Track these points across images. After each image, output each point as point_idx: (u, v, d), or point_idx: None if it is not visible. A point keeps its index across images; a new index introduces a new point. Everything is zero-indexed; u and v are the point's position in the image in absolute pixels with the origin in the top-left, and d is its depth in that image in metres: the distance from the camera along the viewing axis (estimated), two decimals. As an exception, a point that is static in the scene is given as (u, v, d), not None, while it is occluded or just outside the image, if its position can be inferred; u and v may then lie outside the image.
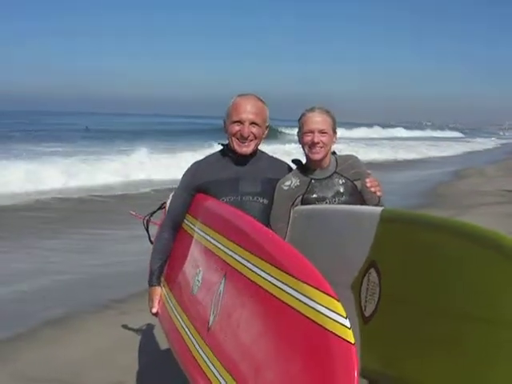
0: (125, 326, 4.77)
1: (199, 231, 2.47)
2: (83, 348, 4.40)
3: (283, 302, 1.50)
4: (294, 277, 1.49)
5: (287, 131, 36.44)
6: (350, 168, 2.71)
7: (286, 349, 1.44)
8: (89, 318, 5.05)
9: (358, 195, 2.66)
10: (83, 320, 5.00)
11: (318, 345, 1.33)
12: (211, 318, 1.93)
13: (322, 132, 2.62)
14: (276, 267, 1.59)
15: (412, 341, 1.92)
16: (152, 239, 3.57)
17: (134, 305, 5.20)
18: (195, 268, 2.34)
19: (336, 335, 1.29)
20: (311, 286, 1.42)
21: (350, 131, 52.18)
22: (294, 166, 2.79)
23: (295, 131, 2.79)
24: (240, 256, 1.85)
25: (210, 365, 1.80)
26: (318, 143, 2.61)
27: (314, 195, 2.65)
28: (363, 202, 2.65)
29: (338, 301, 1.36)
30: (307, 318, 1.38)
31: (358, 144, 31.58)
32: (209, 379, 1.78)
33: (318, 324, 1.34)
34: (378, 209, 2.22)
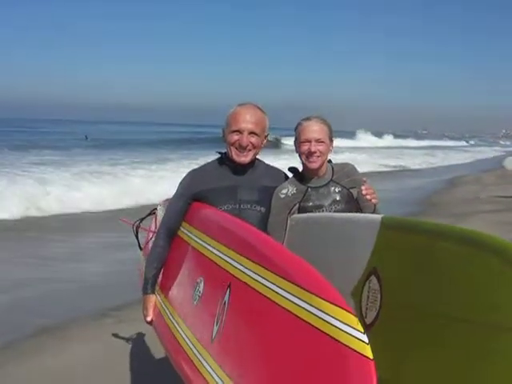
0: (120, 335, 4.75)
1: (198, 240, 2.45)
2: (80, 356, 4.38)
3: (297, 317, 1.45)
4: (308, 291, 1.45)
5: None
6: (346, 176, 2.72)
7: (300, 363, 1.40)
8: (86, 326, 5.04)
9: (354, 203, 2.68)
10: (80, 328, 4.98)
11: (335, 360, 1.30)
12: (215, 329, 1.89)
13: (318, 141, 2.63)
14: (288, 281, 1.55)
15: (414, 347, 1.92)
16: (142, 245, 3.56)
17: (130, 313, 5.18)
18: (195, 278, 2.31)
19: (354, 350, 1.26)
20: (326, 300, 1.38)
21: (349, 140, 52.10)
22: (290, 174, 2.80)
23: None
24: (246, 268, 1.82)
25: (215, 377, 1.77)
26: (315, 152, 2.62)
27: (311, 203, 2.66)
28: (359, 210, 2.67)
29: (355, 315, 1.33)
30: (323, 332, 1.35)
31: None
32: None
33: (335, 339, 1.31)
34: (379, 216, 2.22)
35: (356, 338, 1.28)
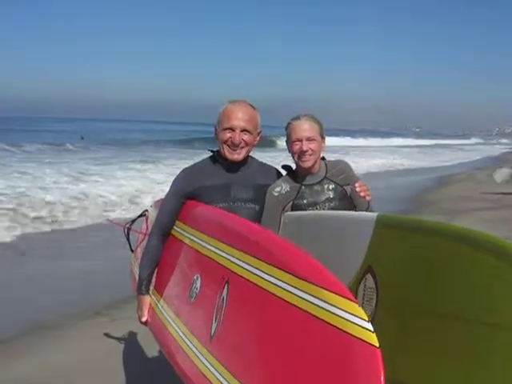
0: (113, 333, 4.73)
1: (193, 237, 2.43)
2: (74, 354, 4.37)
3: (299, 308, 1.44)
4: (309, 282, 1.44)
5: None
6: (340, 173, 2.72)
7: (304, 354, 1.39)
8: (78, 325, 5.02)
9: (347, 200, 2.68)
10: (73, 326, 4.97)
11: (340, 350, 1.28)
12: (214, 326, 1.88)
13: (309, 139, 2.62)
14: (288, 272, 1.54)
15: (410, 345, 1.92)
16: (133, 248, 3.53)
17: (124, 311, 5.17)
18: (191, 275, 2.29)
19: (360, 339, 1.24)
20: (328, 290, 1.37)
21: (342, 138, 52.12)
22: (283, 172, 2.79)
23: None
24: (244, 262, 1.80)
25: (215, 373, 1.75)
26: (307, 151, 2.62)
27: (305, 201, 2.66)
28: (353, 207, 2.67)
29: (359, 304, 1.32)
30: (326, 322, 1.33)
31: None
32: None
33: (339, 329, 1.29)
34: (374, 214, 2.22)
35: (361, 326, 1.26)
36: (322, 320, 1.34)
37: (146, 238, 2.97)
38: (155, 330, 2.58)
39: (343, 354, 1.27)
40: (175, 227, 2.70)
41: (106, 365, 4.19)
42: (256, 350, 1.60)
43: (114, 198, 11.68)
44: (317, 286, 1.41)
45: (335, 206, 2.65)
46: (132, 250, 3.55)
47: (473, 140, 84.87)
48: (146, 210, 3.73)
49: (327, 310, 1.34)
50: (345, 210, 2.64)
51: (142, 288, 2.72)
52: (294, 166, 2.77)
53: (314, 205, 2.65)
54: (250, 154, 2.75)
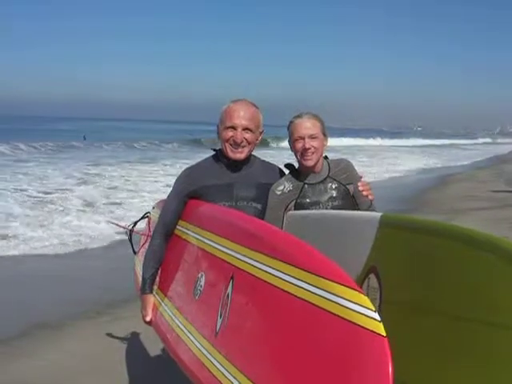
0: (115, 333, 4.73)
1: (196, 236, 2.43)
2: (78, 353, 4.37)
3: (304, 300, 1.44)
4: (314, 274, 1.44)
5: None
6: (343, 172, 2.71)
7: (311, 347, 1.39)
8: (81, 324, 5.02)
9: (350, 199, 2.67)
10: (75, 326, 4.97)
11: (348, 340, 1.28)
12: (219, 321, 1.88)
13: (312, 137, 2.62)
14: (293, 265, 1.54)
15: (413, 345, 1.92)
16: (135, 249, 3.52)
17: (126, 311, 5.17)
18: (195, 273, 2.30)
19: (367, 329, 1.24)
20: (335, 281, 1.37)
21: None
22: (286, 171, 2.79)
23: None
24: (249, 257, 1.81)
25: (221, 368, 1.75)
26: (310, 149, 2.62)
27: (307, 200, 2.65)
28: (356, 206, 2.67)
29: (365, 295, 1.32)
30: (333, 314, 1.33)
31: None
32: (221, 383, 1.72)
33: (346, 319, 1.29)
34: (378, 214, 2.22)
35: (368, 316, 1.27)
36: (329, 311, 1.35)
37: (149, 239, 2.97)
38: (159, 329, 2.58)
39: (350, 345, 1.27)
40: (178, 226, 2.70)
41: (107, 365, 4.18)
42: (262, 344, 1.60)
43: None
44: (322, 277, 1.41)
45: (338, 205, 2.65)
46: (135, 252, 3.54)
47: (480, 140, 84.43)
48: (149, 212, 3.73)
49: (333, 301, 1.34)
50: (347, 209, 2.63)
51: (145, 287, 2.72)
52: (296, 165, 2.76)
53: (316, 204, 2.65)
54: (253, 153, 2.75)
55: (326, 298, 1.37)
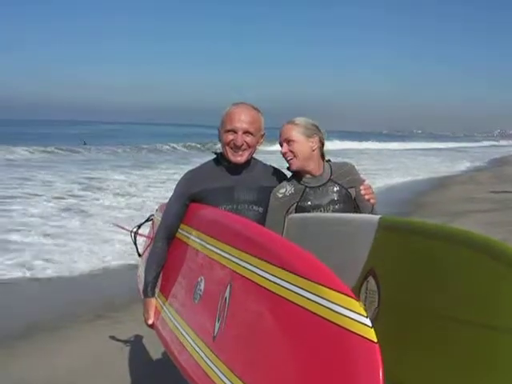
0: (116, 336, 4.73)
1: (198, 240, 2.44)
2: (77, 357, 4.37)
3: (298, 306, 1.45)
4: (308, 279, 1.44)
5: None
6: (345, 175, 2.71)
7: (305, 352, 1.40)
8: (81, 327, 5.02)
9: (352, 203, 2.67)
10: (75, 329, 4.97)
11: (339, 346, 1.29)
12: (217, 326, 1.89)
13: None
14: (289, 271, 1.55)
15: (412, 348, 1.92)
16: (140, 251, 3.54)
17: (126, 314, 5.18)
18: (196, 277, 2.30)
19: (358, 335, 1.25)
20: (328, 287, 1.37)
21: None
22: (289, 174, 2.78)
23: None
24: (246, 262, 1.82)
25: (218, 373, 1.76)
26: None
27: (309, 203, 2.65)
28: (357, 210, 2.66)
29: (357, 300, 1.32)
30: (325, 319, 1.34)
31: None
32: None
33: (340, 326, 1.30)
34: (376, 216, 2.22)
35: (359, 322, 1.27)
36: (322, 317, 1.35)
37: (153, 238, 2.97)
38: (160, 333, 2.58)
39: (343, 351, 1.28)
40: (179, 230, 2.71)
41: (107, 367, 4.18)
42: (257, 350, 1.61)
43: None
44: (316, 283, 1.41)
45: (339, 208, 2.65)
46: (139, 255, 3.56)
47: (485, 143, 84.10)
48: (153, 215, 3.74)
49: (327, 307, 1.35)
50: (349, 212, 2.63)
51: (147, 291, 2.72)
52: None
53: (318, 207, 2.65)
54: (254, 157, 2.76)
55: (319, 304, 1.38)
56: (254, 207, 2.65)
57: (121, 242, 7.69)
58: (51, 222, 9.69)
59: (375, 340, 1.24)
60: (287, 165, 2.79)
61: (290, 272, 1.53)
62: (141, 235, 3.60)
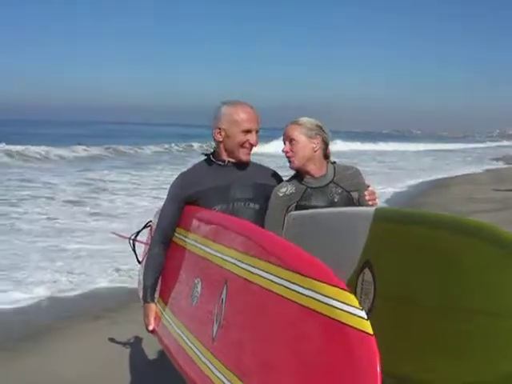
0: (114, 337, 4.72)
1: (193, 242, 2.43)
2: (77, 358, 4.35)
3: (294, 302, 1.44)
4: (302, 274, 1.44)
5: None
6: (349, 178, 2.70)
7: (302, 347, 1.39)
8: (79, 328, 5.01)
9: (353, 206, 2.65)
10: (73, 330, 4.96)
11: (336, 340, 1.28)
12: (215, 327, 1.88)
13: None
14: (282, 267, 1.54)
15: (409, 338, 1.91)
16: (139, 258, 3.52)
17: (125, 315, 5.17)
18: (192, 280, 2.30)
19: (354, 328, 1.25)
20: (322, 281, 1.37)
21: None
22: (287, 175, 2.77)
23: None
24: (239, 260, 1.82)
25: (218, 374, 1.75)
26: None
27: (309, 203, 2.64)
28: None
29: (351, 293, 1.32)
30: (321, 314, 1.33)
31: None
32: None
33: (334, 319, 1.29)
34: (371, 208, 2.22)
35: (354, 314, 1.26)
36: (317, 311, 1.34)
37: (150, 243, 2.96)
38: (161, 338, 2.58)
39: (339, 344, 1.27)
40: (176, 234, 2.69)
41: (106, 368, 4.17)
42: (255, 347, 1.60)
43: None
44: (309, 277, 1.41)
45: None
46: (139, 261, 3.55)
47: (484, 143, 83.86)
48: (151, 221, 3.73)
49: (321, 301, 1.34)
50: None
51: (147, 297, 2.71)
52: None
53: (317, 208, 2.63)
54: None
55: (313, 298, 1.37)
56: (251, 204, 2.65)
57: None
58: (51, 221, 9.69)
59: (371, 332, 1.23)
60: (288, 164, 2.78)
61: (284, 268, 1.53)
62: (139, 242, 3.59)
